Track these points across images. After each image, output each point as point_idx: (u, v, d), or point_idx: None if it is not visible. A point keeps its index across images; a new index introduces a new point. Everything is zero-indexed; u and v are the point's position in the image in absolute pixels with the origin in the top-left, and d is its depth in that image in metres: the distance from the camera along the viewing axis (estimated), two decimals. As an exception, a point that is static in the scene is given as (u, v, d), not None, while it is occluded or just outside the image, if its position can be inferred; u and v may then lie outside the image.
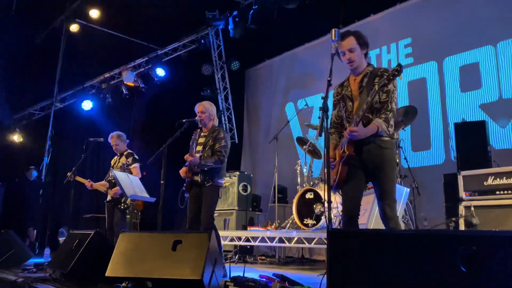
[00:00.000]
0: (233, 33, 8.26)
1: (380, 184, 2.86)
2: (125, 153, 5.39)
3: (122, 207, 5.06)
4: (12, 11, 8.67)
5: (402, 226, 4.66)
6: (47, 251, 6.14)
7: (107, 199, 5.23)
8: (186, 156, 4.01)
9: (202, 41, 9.04)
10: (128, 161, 5.27)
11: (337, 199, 5.06)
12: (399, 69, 2.62)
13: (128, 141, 5.56)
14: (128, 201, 5.03)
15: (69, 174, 5.38)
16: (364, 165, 2.90)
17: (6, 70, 9.38)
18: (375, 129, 2.80)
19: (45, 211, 8.89)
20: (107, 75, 9.64)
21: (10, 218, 8.14)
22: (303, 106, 7.13)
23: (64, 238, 7.27)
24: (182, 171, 4.14)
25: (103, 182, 5.38)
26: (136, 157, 5.34)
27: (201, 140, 4.23)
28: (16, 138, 10.11)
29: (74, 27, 9.09)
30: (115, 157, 5.49)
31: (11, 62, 9.21)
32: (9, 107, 10.15)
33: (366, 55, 3.09)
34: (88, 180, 5.39)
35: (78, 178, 5.41)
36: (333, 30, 2.91)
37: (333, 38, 2.88)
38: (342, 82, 3.19)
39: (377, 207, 2.90)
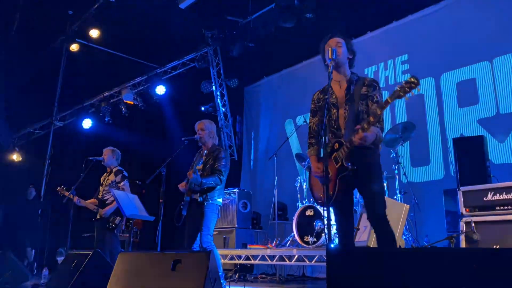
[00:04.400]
0: (231, 51, 8.35)
1: (371, 189, 2.78)
2: (114, 170, 5.34)
3: (110, 226, 5.02)
4: (13, 31, 8.77)
5: (403, 243, 4.63)
6: (45, 271, 6.07)
7: (96, 217, 5.18)
8: (189, 173, 4.00)
9: (201, 59, 9.11)
10: (117, 179, 5.22)
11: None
12: (415, 82, 2.52)
13: (119, 159, 5.50)
14: (117, 220, 5.00)
15: (58, 188, 5.30)
16: (356, 174, 2.82)
17: (6, 89, 9.43)
18: (374, 136, 2.75)
19: (43, 230, 8.83)
20: (106, 93, 9.69)
21: (8, 238, 8.07)
22: (302, 123, 7.15)
23: (62, 258, 7.20)
24: (182, 185, 4.15)
25: (93, 199, 5.32)
26: (125, 174, 5.29)
27: (202, 158, 4.24)
28: (15, 157, 10.12)
29: (74, 47, 9.21)
30: (105, 174, 5.45)
31: (11, 81, 9.27)
32: (9, 126, 10.18)
33: (351, 62, 3.09)
34: (76, 197, 5.24)
35: (66, 193, 5.27)
36: (330, 49, 2.94)
37: (329, 57, 2.92)
38: (324, 87, 3.12)
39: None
